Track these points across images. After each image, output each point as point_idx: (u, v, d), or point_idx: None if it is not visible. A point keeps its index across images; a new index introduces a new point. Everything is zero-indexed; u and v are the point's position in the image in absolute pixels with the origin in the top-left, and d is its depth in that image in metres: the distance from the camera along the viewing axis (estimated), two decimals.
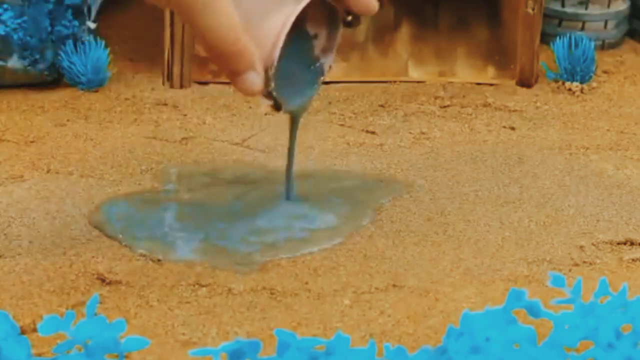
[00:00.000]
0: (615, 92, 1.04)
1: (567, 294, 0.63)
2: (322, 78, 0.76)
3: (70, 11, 1.00)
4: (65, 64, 1.00)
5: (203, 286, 0.71)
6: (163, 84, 1.02)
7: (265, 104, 0.71)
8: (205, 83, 1.02)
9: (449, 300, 0.70)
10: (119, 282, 0.72)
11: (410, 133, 0.94)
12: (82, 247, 0.76)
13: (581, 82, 1.04)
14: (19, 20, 0.98)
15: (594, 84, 1.04)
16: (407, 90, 1.02)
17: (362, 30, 1.07)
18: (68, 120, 0.96)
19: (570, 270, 0.74)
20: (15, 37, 0.98)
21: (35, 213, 0.80)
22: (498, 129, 0.96)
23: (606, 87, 1.04)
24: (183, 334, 0.66)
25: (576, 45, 1.04)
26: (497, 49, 1.06)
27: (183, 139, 0.92)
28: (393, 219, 0.80)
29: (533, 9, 1.02)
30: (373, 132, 0.94)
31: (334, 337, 0.58)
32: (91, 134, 0.93)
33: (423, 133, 0.94)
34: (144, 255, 0.75)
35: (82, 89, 1.01)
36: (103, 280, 0.72)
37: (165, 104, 0.98)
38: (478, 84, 1.04)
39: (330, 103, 1.00)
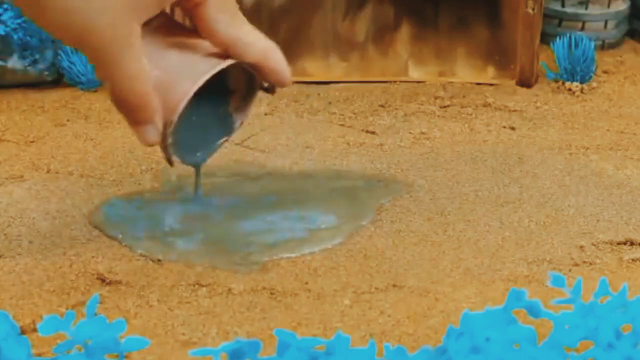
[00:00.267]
0: (615, 92, 1.04)
1: (567, 294, 0.63)
2: (228, 137, 0.77)
3: None
4: (65, 64, 1.00)
5: (203, 286, 0.71)
6: None
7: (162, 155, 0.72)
8: None
9: (449, 300, 0.70)
10: (119, 282, 0.72)
11: (410, 133, 0.94)
12: (82, 247, 0.76)
13: (581, 82, 1.04)
14: (19, 20, 0.98)
15: (594, 84, 1.04)
16: (407, 90, 1.02)
17: (362, 30, 1.07)
18: (68, 120, 0.96)
19: (570, 270, 0.74)
20: (15, 37, 0.98)
21: (35, 213, 0.80)
22: (498, 129, 0.96)
23: (606, 87, 1.04)
24: (183, 334, 0.66)
25: (576, 45, 1.04)
26: (497, 49, 1.06)
27: None
28: (393, 219, 0.80)
29: (533, 9, 1.02)
30: (373, 132, 0.94)
31: (334, 337, 0.58)
32: (91, 134, 0.93)
33: (423, 133, 0.94)
34: (144, 255, 0.75)
35: (82, 89, 1.01)
36: (103, 280, 0.72)
37: None
38: (478, 84, 1.04)
39: (330, 103, 1.00)
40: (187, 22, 0.71)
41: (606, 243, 0.77)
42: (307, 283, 0.72)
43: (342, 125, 0.96)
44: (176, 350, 0.65)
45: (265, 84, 0.73)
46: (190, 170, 0.78)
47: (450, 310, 0.69)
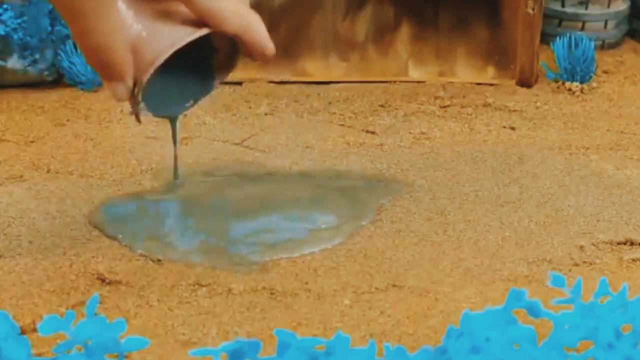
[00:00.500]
0: (615, 92, 1.04)
1: (567, 294, 0.63)
2: (205, 95, 0.76)
3: None
4: (65, 64, 1.00)
5: (203, 286, 0.71)
6: None
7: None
8: None
9: (449, 300, 0.70)
10: (119, 282, 0.72)
11: (410, 133, 0.94)
12: (82, 247, 0.76)
13: (581, 82, 1.04)
14: (19, 20, 0.98)
15: (594, 84, 1.04)
16: (407, 90, 1.02)
17: (362, 30, 1.07)
18: (68, 120, 0.96)
19: (570, 270, 0.74)
20: (15, 37, 0.98)
21: (35, 213, 0.80)
22: (498, 129, 0.96)
23: (606, 87, 1.04)
24: (183, 334, 0.66)
25: (576, 45, 1.04)
26: (497, 49, 1.06)
27: (183, 139, 0.92)
28: (393, 219, 0.80)
29: (533, 9, 1.02)
30: (373, 132, 0.94)
31: (334, 337, 0.58)
32: (91, 134, 0.93)
33: (423, 133, 0.94)
34: (144, 255, 0.75)
35: (82, 89, 1.01)
36: (103, 280, 0.72)
37: None
38: (478, 84, 1.04)
39: (330, 103, 1.00)
40: None
41: (606, 243, 0.77)
42: (307, 283, 0.72)
43: (342, 125, 0.96)
44: (176, 350, 0.65)
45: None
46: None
47: (450, 310, 0.69)
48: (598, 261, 0.75)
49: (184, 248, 0.76)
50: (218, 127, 0.94)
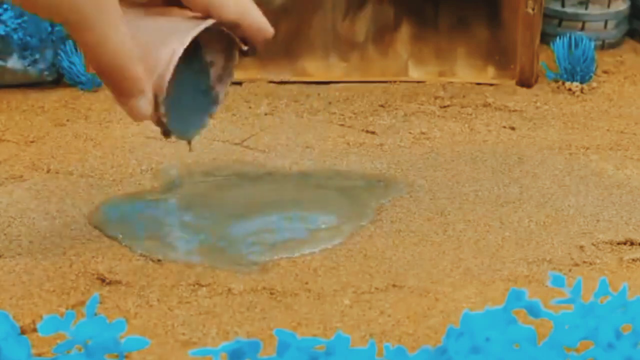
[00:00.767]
0: (615, 92, 1.04)
1: (567, 294, 0.63)
2: (216, 107, 0.75)
3: None
4: (65, 64, 1.00)
5: (203, 286, 0.71)
6: None
7: (157, 129, 0.71)
8: None
9: (449, 300, 0.70)
10: (119, 282, 0.72)
11: (410, 133, 0.94)
12: (82, 247, 0.76)
13: (581, 82, 1.04)
14: (19, 20, 0.98)
15: (594, 84, 1.04)
16: (407, 90, 1.02)
17: (362, 30, 1.07)
18: (68, 120, 0.96)
19: (570, 270, 0.74)
20: (15, 37, 0.98)
21: (35, 213, 0.80)
22: (498, 129, 0.96)
23: (606, 87, 1.04)
24: (183, 334, 0.66)
25: (576, 45, 1.04)
26: (497, 49, 1.06)
27: None
28: (393, 219, 0.80)
29: (533, 9, 1.02)
30: (373, 132, 0.94)
31: (334, 337, 0.58)
32: (91, 134, 0.93)
33: (423, 133, 0.94)
34: (144, 255, 0.75)
35: (82, 89, 1.01)
36: (103, 280, 0.72)
37: None
38: (478, 84, 1.04)
39: (330, 103, 1.00)
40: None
41: (606, 243, 0.77)
42: (307, 283, 0.72)
43: (342, 125, 0.96)
44: (176, 350, 0.65)
45: (245, 48, 0.72)
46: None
47: (450, 310, 0.69)
48: (598, 261, 0.75)
49: (184, 248, 0.76)
50: (218, 127, 0.94)
